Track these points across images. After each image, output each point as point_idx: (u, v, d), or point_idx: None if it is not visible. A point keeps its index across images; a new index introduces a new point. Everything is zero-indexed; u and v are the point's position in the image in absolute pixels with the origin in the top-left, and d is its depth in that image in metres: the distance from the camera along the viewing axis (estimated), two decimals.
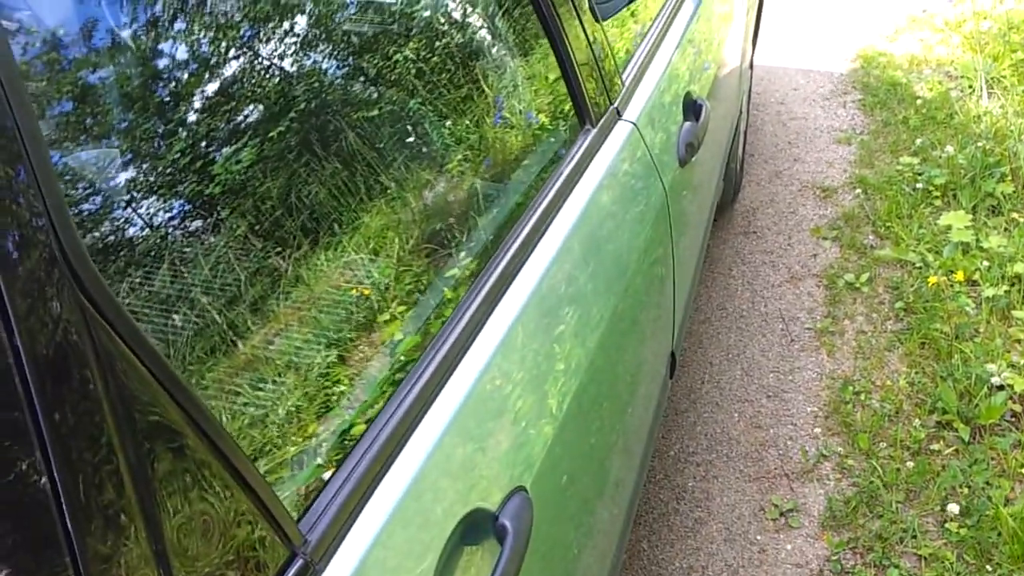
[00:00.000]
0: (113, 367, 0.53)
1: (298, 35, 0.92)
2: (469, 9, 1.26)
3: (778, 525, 2.08)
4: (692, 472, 2.24)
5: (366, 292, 0.93)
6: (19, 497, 0.46)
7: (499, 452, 0.95)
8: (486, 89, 1.24)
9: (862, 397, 2.38)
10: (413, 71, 1.10)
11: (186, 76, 0.76)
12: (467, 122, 1.19)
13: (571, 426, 1.09)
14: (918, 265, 2.77)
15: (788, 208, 3.17)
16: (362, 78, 1.03)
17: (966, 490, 2.06)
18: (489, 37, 1.29)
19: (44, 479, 0.48)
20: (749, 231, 3.08)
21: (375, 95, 1.04)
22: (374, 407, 0.84)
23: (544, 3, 1.26)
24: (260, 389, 0.78)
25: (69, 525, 0.48)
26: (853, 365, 2.49)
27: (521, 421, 1.01)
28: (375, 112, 1.03)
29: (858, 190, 3.19)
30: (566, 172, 1.21)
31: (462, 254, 1.06)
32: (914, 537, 1.98)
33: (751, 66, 3.10)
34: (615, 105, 1.41)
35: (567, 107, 1.33)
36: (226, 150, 0.78)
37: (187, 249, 0.73)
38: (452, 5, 1.24)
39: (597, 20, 1.46)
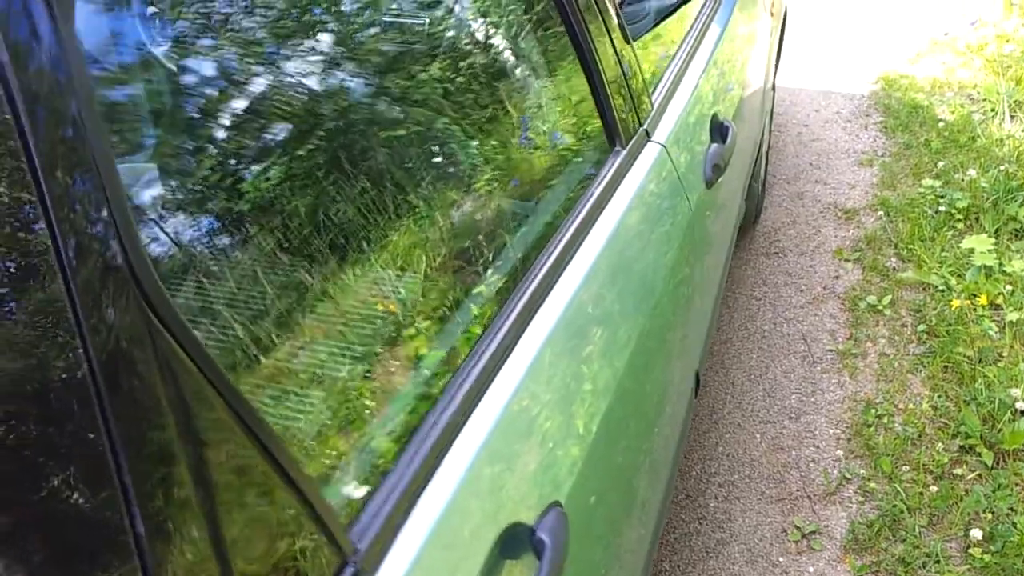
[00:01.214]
0: (174, 373, 0.55)
1: (327, 54, 0.94)
2: (498, 29, 1.27)
3: (800, 547, 2.07)
4: (714, 492, 2.24)
5: (391, 308, 0.94)
6: (91, 500, 0.48)
7: (528, 472, 0.96)
8: (514, 109, 1.26)
9: (885, 420, 2.37)
10: (443, 90, 1.11)
11: (218, 93, 0.78)
12: (496, 142, 1.21)
13: (599, 447, 1.10)
14: (940, 288, 2.76)
15: (810, 229, 3.17)
16: (391, 97, 1.04)
17: (990, 515, 2.05)
18: (518, 57, 1.30)
19: (114, 482, 0.49)
20: (771, 252, 3.08)
21: (406, 114, 1.05)
22: (415, 420, 0.85)
23: (575, 23, 1.27)
24: (298, 399, 0.79)
25: (138, 528, 0.50)
26: (876, 387, 2.49)
27: (549, 441, 1.01)
28: (407, 131, 1.04)
29: (880, 212, 3.18)
30: (596, 193, 1.22)
31: (493, 274, 1.07)
32: (937, 562, 1.96)
33: (773, 87, 3.11)
34: (644, 126, 1.42)
35: (596, 127, 1.34)
36: (256, 167, 0.79)
37: (227, 259, 0.74)
38: (481, 25, 1.26)
39: (627, 41, 1.47)
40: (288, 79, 0.87)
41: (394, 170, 0.98)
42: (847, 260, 2.99)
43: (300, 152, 0.84)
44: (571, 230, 1.14)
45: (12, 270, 0.49)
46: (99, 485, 0.48)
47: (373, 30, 1.05)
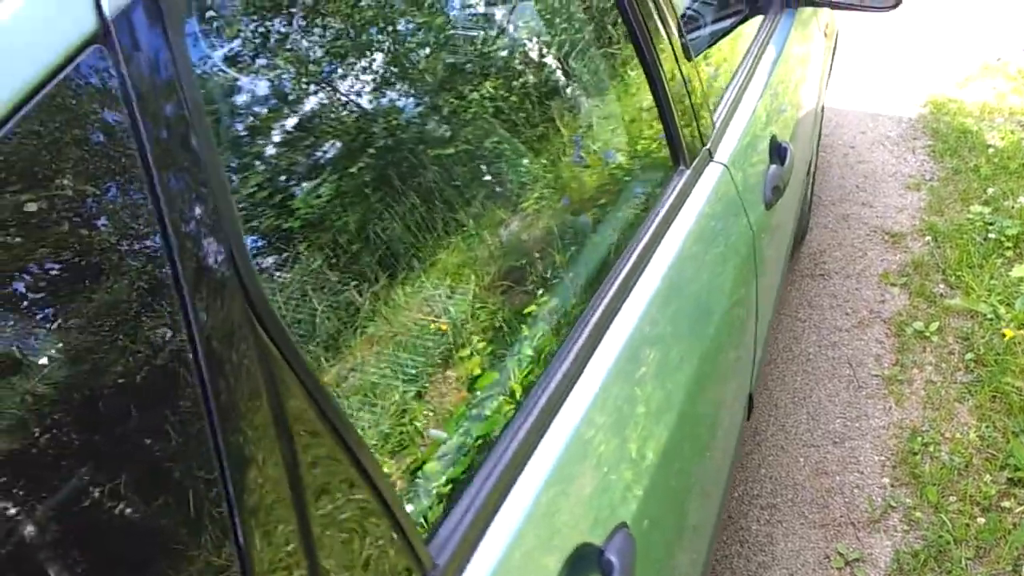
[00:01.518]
0: (275, 379, 0.56)
1: (381, 71, 0.94)
2: (564, 45, 1.27)
3: (843, 575, 2.05)
4: (756, 515, 2.22)
5: (441, 327, 0.94)
6: (199, 500, 0.49)
7: (590, 493, 0.95)
8: (577, 124, 1.26)
9: (931, 449, 2.34)
10: (509, 107, 1.11)
11: (267, 111, 0.78)
12: (558, 158, 1.20)
13: (655, 470, 1.09)
14: (989, 317, 2.72)
15: (856, 252, 3.14)
16: (461, 114, 1.04)
17: None
18: (583, 73, 1.30)
19: (219, 483, 0.51)
20: (816, 274, 3.05)
21: (482, 132, 1.05)
22: (489, 441, 0.85)
23: (643, 39, 1.26)
24: (375, 413, 0.79)
25: (240, 531, 0.51)
26: (921, 415, 2.45)
27: (605, 465, 1.00)
28: (483, 149, 1.05)
29: (928, 237, 3.15)
30: (661, 212, 1.22)
31: (560, 296, 1.07)
32: None
33: (822, 108, 3.08)
34: (707, 146, 1.42)
35: (660, 145, 1.34)
36: (306, 185, 0.80)
37: (289, 273, 0.75)
38: (547, 41, 1.26)
39: (688, 58, 1.47)
40: (333, 95, 0.87)
41: (471, 189, 0.98)
42: (893, 284, 2.95)
43: (341, 170, 0.84)
44: (637, 251, 1.13)
45: (128, 269, 0.50)
46: (206, 482, 0.49)
47: (438, 46, 1.05)
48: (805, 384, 2.60)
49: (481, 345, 0.95)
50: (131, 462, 0.48)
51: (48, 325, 0.47)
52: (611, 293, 1.06)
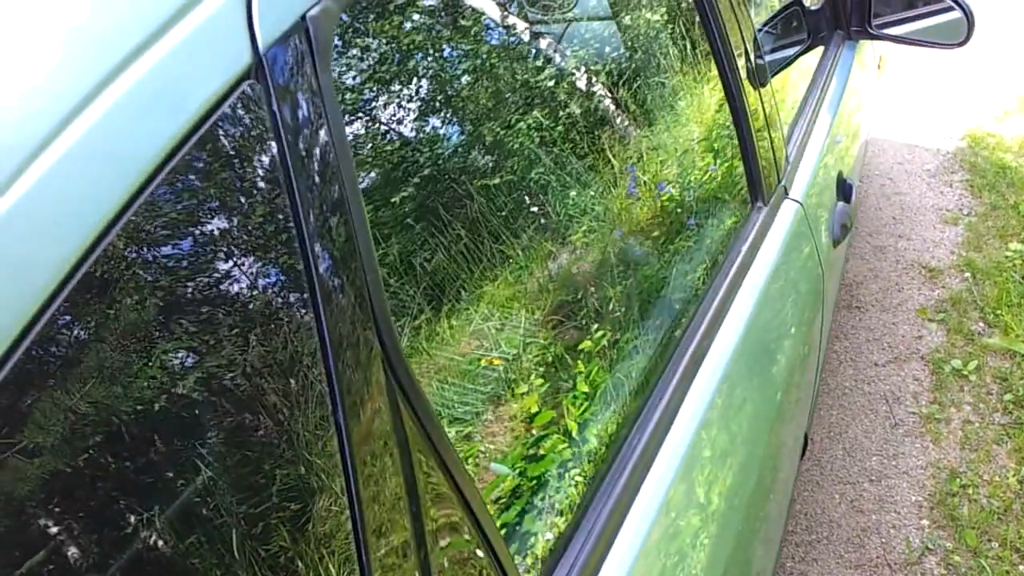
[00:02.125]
0: (405, 431, 0.58)
1: (434, 99, 0.92)
2: (639, 68, 1.24)
3: None
4: (791, 552, 2.18)
5: (536, 364, 0.92)
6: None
7: (651, 544, 0.93)
8: (655, 157, 1.23)
9: (969, 491, 2.30)
10: (580, 136, 1.09)
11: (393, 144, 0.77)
12: (629, 191, 1.18)
13: (721, 517, 1.07)
14: None
15: (892, 285, 3.10)
16: (536, 144, 1.02)
17: None
18: (658, 98, 1.27)
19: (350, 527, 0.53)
20: (852, 306, 3.02)
21: (549, 162, 1.03)
22: (543, 481, 0.84)
23: (726, 61, 1.23)
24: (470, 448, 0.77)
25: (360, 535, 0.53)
26: (959, 456, 2.42)
27: (672, 511, 0.98)
28: (545, 179, 1.02)
29: (966, 273, 3.11)
30: (742, 252, 1.19)
31: (645, 338, 1.04)
32: None
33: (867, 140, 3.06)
34: (783, 182, 1.39)
35: (737, 179, 1.31)
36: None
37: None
38: (622, 66, 1.23)
39: (764, 83, 1.43)
40: (381, 124, 0.85)
41: (543, 221, 0.96)
42: (931, 320, 2.92)
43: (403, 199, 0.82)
44: (719, 294, 1.11)
45: (271, 303, 0.51)
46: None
47: (524, 76, 1.02)
48: (841, 419, 2.57)
49: (542, 382, 0.93)
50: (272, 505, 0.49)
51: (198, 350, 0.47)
52: (696, 336, 1.04)
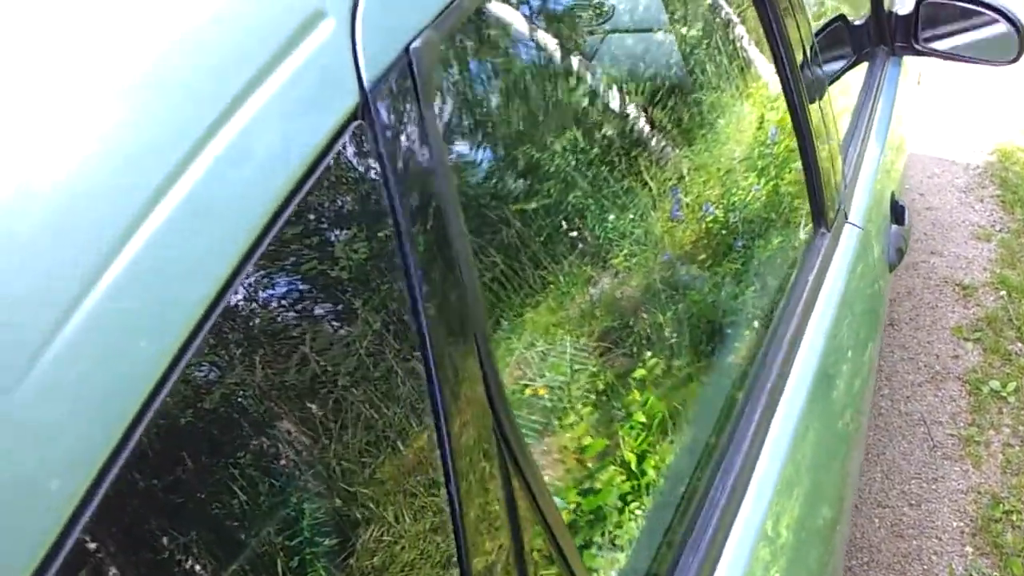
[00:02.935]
0: (513, 493, 0.57)
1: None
2: (696, 87, 1.20)
3: None
4: None
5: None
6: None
7: None
8: (709, 180, 1.19)
9: (1013, 517, 2.25)
10: (636, 157, 1.05)
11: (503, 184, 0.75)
12: (690, 219, 1.14)
13: (790, 551, 1.03)
14: None
15: (926, 303, 3.05)
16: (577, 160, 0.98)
17: None
18: (725, 121, 1.23)
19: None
20: (885, 323, 2.97)
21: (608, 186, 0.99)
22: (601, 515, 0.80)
23: (790, 76, 1.18)
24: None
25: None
26: (1001, 481, 2.37)
27: (761, 545, 0.95)
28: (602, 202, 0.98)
29: (1001, 292, 3.06)
30: (810, 282, 1.15)
31: (695, 365, 1.01)
32: None
33: None
34: (842, 206, 1.35)
35: (798, 204, 1.27)
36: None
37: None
38: (680, 81, 1.19)
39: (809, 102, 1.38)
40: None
41: (600, 247, 0.92)
42: (967, 339, 2.87)
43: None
44: (791, 329, 1.06)
45: (381, 349, 0.49)
46: None
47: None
48: (878, 440, 2.52)
49: (591, 411, 0.90)
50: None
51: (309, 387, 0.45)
52: (773, 370, 1.00)
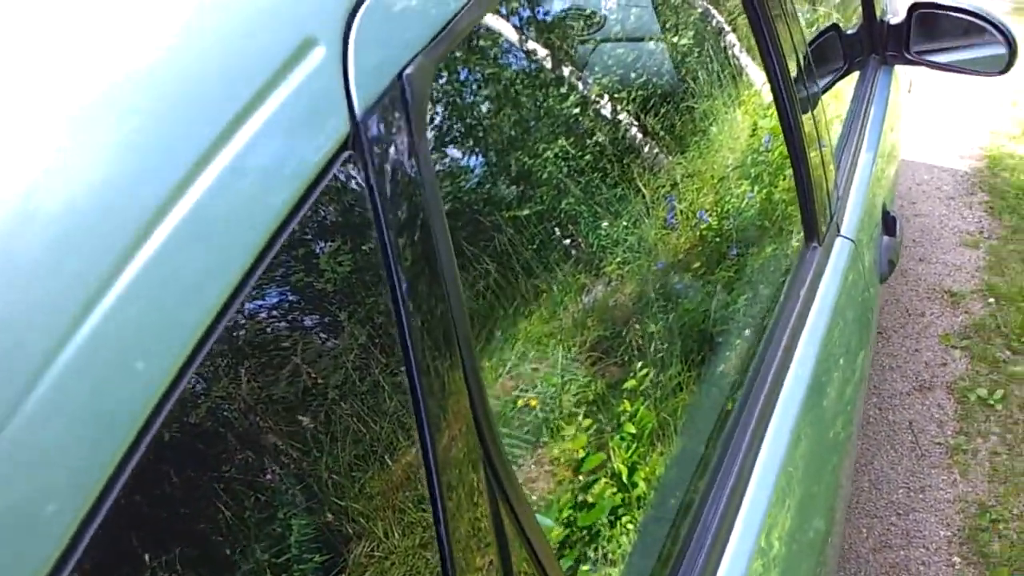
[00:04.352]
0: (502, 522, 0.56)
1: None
2: (688, 95, 1.19)
3: None
4: None
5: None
6: None
7: None
8: (695, 188, 1.18)
9: (1000, 526, 2.25)
10: (627, 165, 1.04)
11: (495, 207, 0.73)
12: (684, 229, 1.13)
13: (782, 562, 1.02)
14: None
15: (914, 310, 3.05)
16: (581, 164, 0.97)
17: None
18: (720, 132, 1.22)
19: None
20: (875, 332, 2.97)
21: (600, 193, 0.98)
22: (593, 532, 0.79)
23: (783, 84, 1.17)
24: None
25: None
26: (988, 489, 2.37)
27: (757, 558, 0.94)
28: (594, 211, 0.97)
29: (989, 299, 3.07)
30: (802, 296, 1.14)
31: (685, 375, 1.00)
32: None
33: None
34: (835, 218, 1.34)
35: (788, 217, 1.25)
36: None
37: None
38: (674, 90, 1.18)
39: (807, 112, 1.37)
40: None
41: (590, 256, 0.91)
42: (954, 347, 2.87)
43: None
44: (783, 344, 1.05)
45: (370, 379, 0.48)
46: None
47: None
48: (866, 449, 2.51)
49: (589, 423, 0.89)
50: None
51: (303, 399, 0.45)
52: (764, 385, 0.99)
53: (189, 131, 0.39)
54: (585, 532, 0.84)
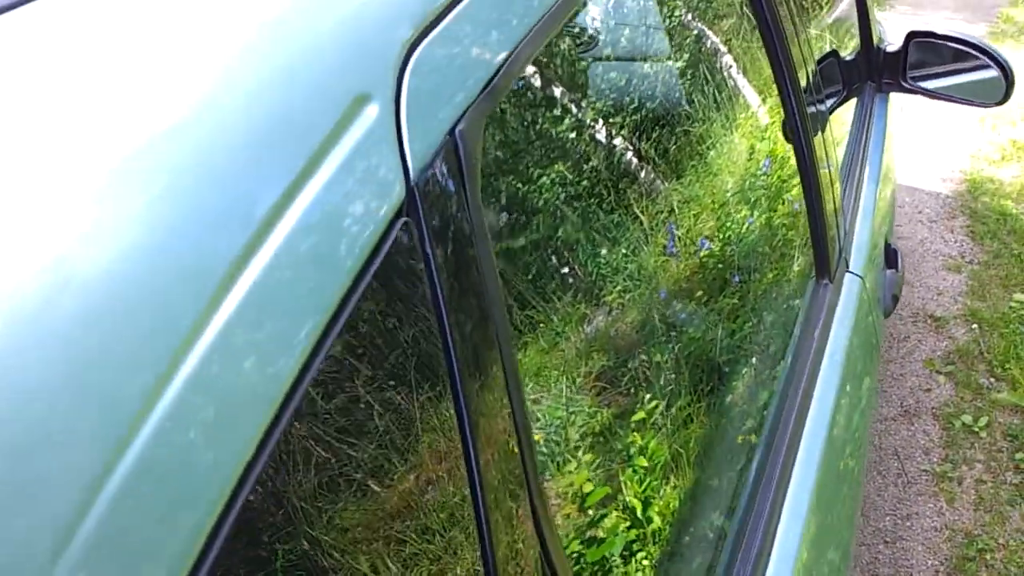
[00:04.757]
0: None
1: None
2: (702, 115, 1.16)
3: None
4: None
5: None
6: None
7: None
8: (706, 220, 1.15)
9: (987, 556, 2.25)
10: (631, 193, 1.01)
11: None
12: (690, 264, 1.10)
13: None
14: None
15: (899, 335, 3.05)
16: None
17: None
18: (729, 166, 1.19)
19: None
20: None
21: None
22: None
23: (799, 114, 1.14)
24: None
25: None
26: (973, 518, 2.36)
27: None
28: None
29: (972, 324, 3.07)
30: (816, 338, 1.11)
31: (696, 407, 0.97)
32: None
33: None
34: (843, 254, 1.31)
35: (798, 254, 1.23)
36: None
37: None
38: (685, 116, 1.15)
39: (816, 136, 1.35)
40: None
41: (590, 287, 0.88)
42: (939, 372, 2.87)
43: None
44: (801, 388, 1.03)
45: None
46: None
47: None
48: None
49: (591, 457, 0.86)
50: None
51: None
52: (788, 429, 0.96)
53: (247, 204, 0.35)
54: (596, 567, 0.81)
